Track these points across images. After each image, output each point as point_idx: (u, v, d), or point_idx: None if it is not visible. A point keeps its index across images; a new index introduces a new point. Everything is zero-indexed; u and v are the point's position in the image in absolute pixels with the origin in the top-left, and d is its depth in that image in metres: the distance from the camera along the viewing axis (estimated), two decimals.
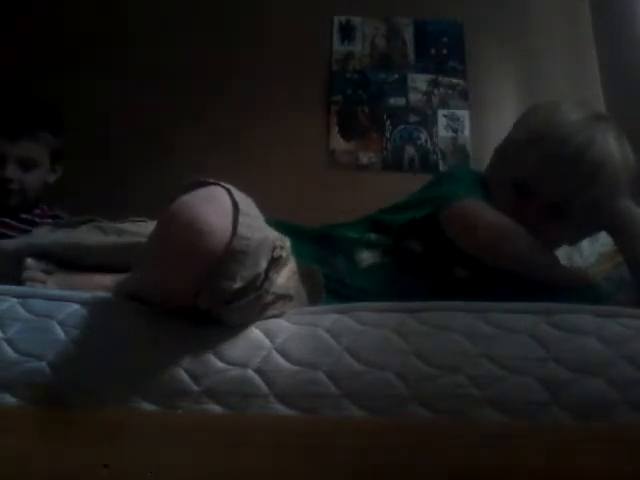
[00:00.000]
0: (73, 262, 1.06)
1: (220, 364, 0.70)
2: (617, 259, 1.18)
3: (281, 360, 0.70)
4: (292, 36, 2.48)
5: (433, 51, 2.54)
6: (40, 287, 0.98)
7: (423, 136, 2.42)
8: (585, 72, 2.50)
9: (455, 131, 2.43)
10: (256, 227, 0.70)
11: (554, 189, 0.97)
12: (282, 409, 0.68)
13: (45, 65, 2.40)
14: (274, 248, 0.73)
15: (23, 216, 1.64)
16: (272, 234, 0.74)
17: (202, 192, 0.70)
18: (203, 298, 0.70)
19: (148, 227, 0.92)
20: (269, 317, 0.76)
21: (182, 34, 2.48)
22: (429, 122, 2.44)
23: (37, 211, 1.69)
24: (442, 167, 2.37)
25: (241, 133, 2.35)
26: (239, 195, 0.71)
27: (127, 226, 1.13)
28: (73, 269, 1.05)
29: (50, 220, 1.66)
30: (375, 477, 0.66)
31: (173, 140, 2.31)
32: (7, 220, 1.60)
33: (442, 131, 2.43)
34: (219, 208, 0.68)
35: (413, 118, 2.45)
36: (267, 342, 0.72)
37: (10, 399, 0.69)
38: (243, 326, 0.74)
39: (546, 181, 0.97)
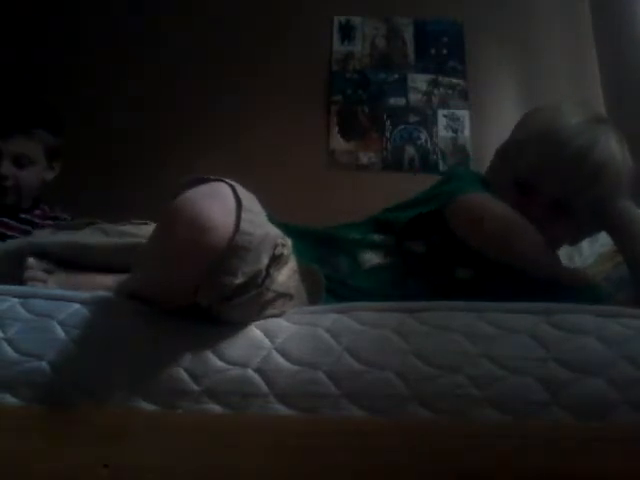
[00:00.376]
0: (74, 262, 1.06)
1: (220, 364, 0.70)
2: (617, 259, 1.18)
3: (281, 360, 0.70)
4: (292, 36, 2.49)
5: (433, 51, 2.54)
6: (41, 287, 0.99)
7: (423, 136, 2.42)
8: (585, 72, 2.50)
9: (455, 131, 2.43)
10: (258, 223, 0.70)
11: (557, 188, 0.98)
12: (282, 409, 0.68)
13: (45, 65, 2.40)
14: (275, 245, 0.73)
15: (23, 216, 1.64)
16: (274, 231, 0.74)
17: (205, 188, 0.70)
18: (204, 294, 0.70)
19: (150, 229, 0.92)
20: (269, 316, 0.75)
21: (182, 34, 2.48)
22: (429, 122, 2.44)
23: (37, 212, 1.69)
24: (442, 167, 2.37)
25: (241, 133, 2.35)
26: (242, 191, 0.71)
27: (128, 228, 1.13)
28: (74, 269, 1.05)
29: (51, 222, 1.66)
30: (375, 477, 0.66)
31: (173, 140, 2.32)
32: (6, 220, 1.60)
33: (442, 131, 2.43)
34: (222, 204, 0.68)
35: (413, 118, 2.45)
36: (267, 342, 0.72)
37: (10, 399, 0.69)
38: (243, 326, 0.74)
39: (549, 180, 0.98)
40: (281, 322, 0.75)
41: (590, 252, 1.47)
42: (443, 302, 0.77)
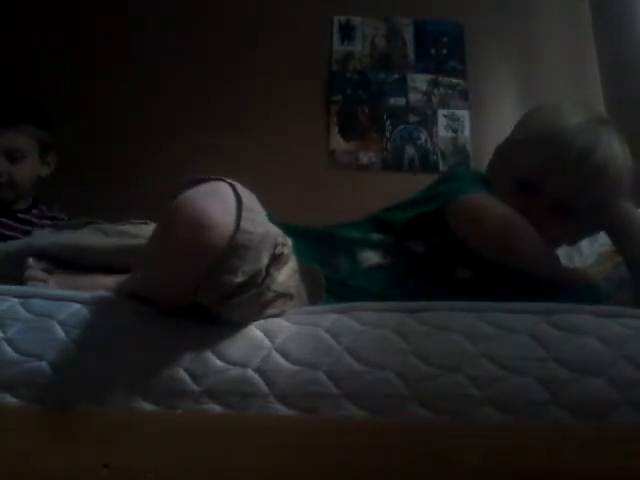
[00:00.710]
0: (73, 262, 1.06)
1: (220, 364, 0.70)
2: (616, 259, 1.18)
3: (281, 360, 0.70)
4: (292, 36, 2.48)
5: (433, 51, 2.54)
6: (41, 286, 0.99)
7: (423, 136, 2.42)
8: (585, 72, 2.50)
9: (455, 131, 2.43)
10: (259, 222, 0.70)
11: (557, 189, 0.98)
12: (282, 409, 0.68)
13: (45, 65, 2.40)
14: (276, 245, 0.73)
15: (21, 216, 1.64)
16: (274, 230, 0.74)
17: (205, 187, 0.70)
18: (204, 293, 0.70)
19: (150, 229, 0.92)
20: (269, 316, 0.75)
21: (182, 34, 2.48)
22: (429, 122, 2.44)
23: (35, 211, 1.69)
24: (442, 167, 2.37)
25: (241, 133, 2.35)
26: (243, 190, 0.71)
27: (128, 228, 1.13)
28: (74, 269, 1.06)
29: (48, 221, 1.66)
30: (375, 477, 0.66)
31: (173, 140, 2.32)
32: (4, 220, 1.61)
33: (442, 131, 2.43)
34: (222, 203, 0.68)
35: (413, 118, 2.45)
36: (267, 342, 0.72)
37: (10, 399, 0.69)
38: (243, 326, 0.74)
39: (550, 181, 0.98)
40: (281, 322, 0.75)
41: (590, 252, 1.47)
42: (443, 302, 0.77)
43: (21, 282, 1.00)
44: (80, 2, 2.54)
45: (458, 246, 0.97)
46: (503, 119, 1.98)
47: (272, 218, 0.77)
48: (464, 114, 2.45)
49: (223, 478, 0.67)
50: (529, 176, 1.00)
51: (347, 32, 2.56)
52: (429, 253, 1.02)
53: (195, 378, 0.69)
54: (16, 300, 0.78)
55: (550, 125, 1.01)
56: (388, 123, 2.44)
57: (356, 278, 0.98)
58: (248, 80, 2.42)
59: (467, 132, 2.43)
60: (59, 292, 0.83)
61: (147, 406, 0.69)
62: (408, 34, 2.56)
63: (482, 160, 1.18)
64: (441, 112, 2.46)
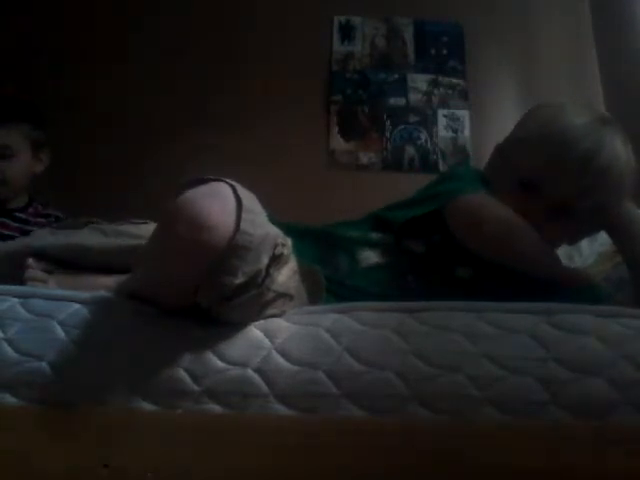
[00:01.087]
0: (74, 262, 1.06)
1: (220, 364, 0.70)
2: (616, 259, 1.18)
3: (281, 360, 0.70)
4: (292, 36, 2.49)
5: (433, 51, 2.54)
6: (41, 287, 0.99)
7: (423, 136, 2.43)
8: (585, 72, 2.50)
9: (455, 131, 2.43)
10: (259, 223, 0.70)
11: (559, 189, 0.97)
12: (282, 409, 0.68)
13: (45, 65, 2.40)
14: (275, 245, 0.73)
15: (17, 215, 1.65)
16: (274, 231, 0.74)
17: (205, 188, 0.70)
18: (203, 294, 0.70)
19: (149, 228, 0.92)
20: (269, 316, 0.75)
21: (181, 34, 2.48)
22: (429, 122, 2.45)
23: (31, 210, 1.70)
24: (442, 167, 2.37)
25: (241, 133, 2.35)
26: (243, 191, 0.71)
27: (128, 228, 1.13)
28: (74, 269, 1.06)
29: (43, 220, 1.68)
30: (375, 477, 0.66)
31: (173, 140, 2.32)
32: (1, 219, 1.62)
33: (442, 131, 2.43)
34: (222, 203, 0.68)
35: (413, 118, 2.45)
36: (267, 342, 0.72)
37: (10, 399, 0.69)
38: (243, 326, 0.74)
39: (552, 181, 0.98)
40: (281, 322, 0.75)
41: (590, 252, 1.47)
42: (443, 302, 0.77)
43: (21, 282, 1.00)
44: (80, 2, 2.54)
45: (458, 246, 0.97)
46: (503, 119, 1.98)
47: (272, 218, 0.77)
48: (464, 114, 2.45)
49: (223, 478, 0.67)
50: (530, 175, 1.00)
51: (347, 32, 2.56)
52: (429, 253, 1.02)
53: (195, 378, 0.69)
54: (16, 300, 0.78)
55: (552, 124, 1.00)
56: (388, 123, 2.44)
57: (355, 278, 0.98)
58: (248, 80, 2.42)
59: (467, 132, 2.43)
60: (59, 292, 0.83)
61: (147, 406, 0.69)
62: (408, 34, 2.57)
63: (482, 160, 1.18)
64: (441, 112, 2.46)
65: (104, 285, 0.94)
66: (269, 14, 2.52)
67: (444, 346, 0.71)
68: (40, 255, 1.05)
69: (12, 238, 1.54)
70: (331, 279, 0.92)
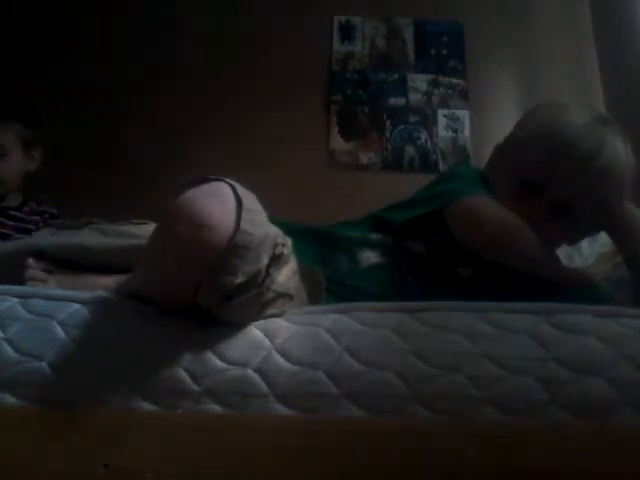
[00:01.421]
0: (74, 262, 1.06)
1: (220, 364, 0.70)
2: (616, 259, 1.18)
3: (281, 360, 0.70)
4: (292, 36, 2.49)
5: (433, 51, 2.54)
6: (41, 286, 0.99)
7: (423, 136, 2.42)
8: (585, 72, 2.50)
9: (455, 131, 2.43)
10: (259, 223, 0.70)
11: (560, 189, 0.97)
12: (282, 409, 0.68)
13: (45, 65, 2.40)
14: (275, 245, 0.73)
15: (12, 213, 1.66)
16: (274, 230, 0.74)
17: (205, 187, 0.70)
18: (203, 294, 0.70)
19: (150, 229, 0.92)
20: (269, 316, 0.75)
21: (181, 34, 2.48)
22: (429, 122, 2.45)
23: (26, 209, 1.71)
24: (442, 167, 2.37)
25: (241, 133, 2.35)
26: (243, 191, 0.71)
27: (128, 228, 1.13)
28: (74, 269, 1.06)
29: (39, 217, 1.68)
30: (375, 477, 0.66)
31: (173, 140, 2.32)
32: None
33: (442, 131, 2.43)
34: (222, 203, 0.68)
35: (413, 118, 2.45)
36: (267, 342, 0.72)
37: (10, 399, 0.69)
38: (243, 326, 0.74)
39: (552, 181, 0.97)
40: (281, 322, 0.75)
41: (590, 252, 1.47)
42: (443, 302, 0.77)
43: (21, 282, 1.00)
44: (80, 2, 2.54)
45: (458, 246, 0.97)
46: (503, 119, 1.98)
47: (272, 218, 0.77)
48: (464, 114, 2.45)
49: (223, 478, 0.67)
50: (530, 175, 1.00)
51: (347, 32, 2.56)
52: (429, 253, 1.02)
53: (195, 378, 0.69)
54: (16, 300, 0.78)
55: (552, 124, 1.00)
56: (388, 123, 2.44)
57: (355, 278, 0.98)
58: (248, 80, 2.42)
59: (467, 132, 2.43)
60: (59, 292, 0.83)
61: (147, 406, 0.69)
62: (408, 34, 2.57)
63: (482, 160, 1.18)
64: (441, 112, 2.46)
65: (104, 285, 0.94)
66: (269, 14, 2.52)
67: (444, 346, 0.71)
68: (40, 255, 1.05)
69: (8, 236, 1.55)
70: (331, 279, 0.92)
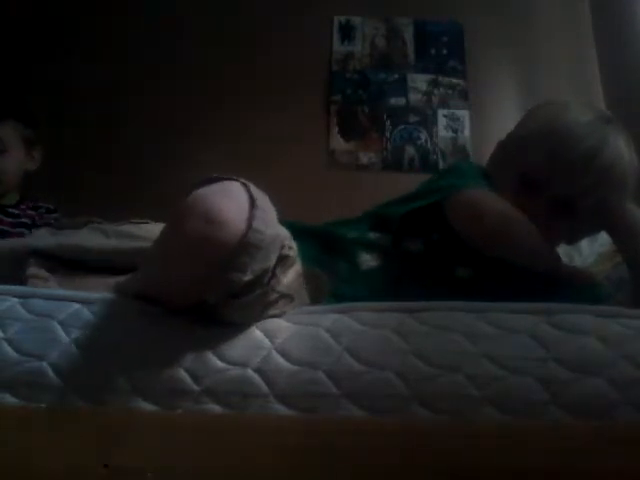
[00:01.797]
0: (74, 262, 1.06)
1: (220, 364, 0.70)
2: (616, 259, 1.18)
3: (281, 360, 0.70)
4: (292, 36, 2.49)
5: (433, 51, 2.54)
6: (42, 286, 0.99)
7: (423, 136, 2.42)
8: (585, 72, 2.50)
9: (455, 131, 2.43)
10: (271, 223, 0.70)
11: (561, 187, 0.97)
12: (282, 409, 0.68)
13: (45, 65, 2.40)
14: (282, 246, 0.73)
15: (9, 210, 1.67)
16: (283, 232, 0.74)
17: (218, 186, 0.70)
18: (212, 290, 0.69)
19: (150, 228, 0.92)
20: (270, 316, 0.76)
21: (181, 34, 2.48)
22: (429, 122, 2.45)
23: (23, 207, 1.72)
24: (442, 167, 2.37)
25: (241, 133, 2.35)
26: (256, 190, 0.71)
27: (128, 228, 1.13)
28: (74, 269, 1.05)
29: (34, 212, 1.69)
30: (375, 477, 0.66)
31: (173, 140, 2.32)
32: None
33: (442, 131, 2.43)
34: (235, 201, 0.68)
35: (413, 118, 2.45)
36: (267, 342, 0.72)
37: (10, 399, 0.69)
38: (243, 326, 0.74)
39: (554, 179, 0.97)
40: (281, 322, 0.75)
41: (590, 252, 1.47)
42: (443, 302, 0.77)
43: (21, 282, 1.00)
44: (80, 2, 2.54)
45: (458, 244, 0.97)
46: (503, 119, 1.98)
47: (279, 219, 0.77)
48: (464, 114, 2.45)
49: (223, 478, 0.67)
50: (531, 173, 0.99)
51: (347, 32, 2.56)
52: (427, 252, 1.01)
53: (195, 378, 0.69)
54: (16, 300, 0.78)
55: (554, 122, 1.00)
56: (388, 123, 2.44)
57: (355, 279, 0.98)
58: (248, 80, 2.42)
59: (467, 132, 2.43)
60: (59, 292, 0.83)
61: (147, 406, 0.69)
62: (408, 34, 2.57)
63: (482, 160, 1.18)
64: (441, 112, 2.46)
65: (104, 285, 0.94)
66: (269, 14, 2.52)
67: (444, 346, 0.71)
68: (40, 255, 1.05)
69: (5, 232, 1.56)
70: (332, 282, 0.92)
